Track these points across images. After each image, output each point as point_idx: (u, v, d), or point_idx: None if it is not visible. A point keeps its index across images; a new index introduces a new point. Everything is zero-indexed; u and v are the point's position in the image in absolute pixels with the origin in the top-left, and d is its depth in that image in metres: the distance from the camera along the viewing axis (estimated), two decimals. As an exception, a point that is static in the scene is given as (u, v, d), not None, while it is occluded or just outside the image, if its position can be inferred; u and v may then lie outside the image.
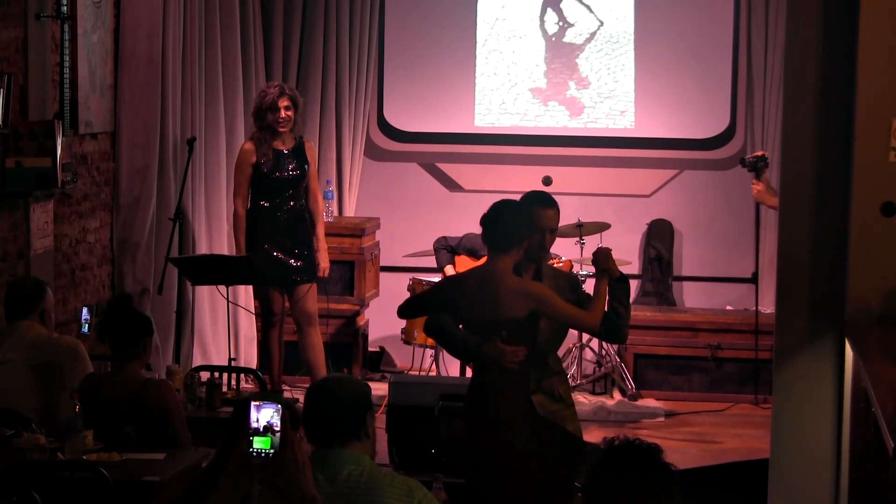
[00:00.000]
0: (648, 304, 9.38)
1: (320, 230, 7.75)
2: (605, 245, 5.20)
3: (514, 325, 4.97)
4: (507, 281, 5.00)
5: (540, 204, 5.22)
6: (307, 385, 8.04)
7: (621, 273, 5.14)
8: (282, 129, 7.51)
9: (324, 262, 7.72)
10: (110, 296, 7.42)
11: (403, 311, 5.39)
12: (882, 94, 5.23)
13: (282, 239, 7.56)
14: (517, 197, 5.33)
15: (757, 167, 7.80)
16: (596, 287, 5.10)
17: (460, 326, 5.12)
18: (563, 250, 8.34)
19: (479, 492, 5.07)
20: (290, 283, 7.61)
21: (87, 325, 6.64)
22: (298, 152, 7.61)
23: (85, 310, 6.69)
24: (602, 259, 5.11)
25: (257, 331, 8.73)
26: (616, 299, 5.08)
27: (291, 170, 7.55)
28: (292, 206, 7.59)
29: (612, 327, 5.11)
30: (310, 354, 7.74)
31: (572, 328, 5.36)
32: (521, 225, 5.05)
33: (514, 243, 5.02)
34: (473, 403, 5.12)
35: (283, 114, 7.49)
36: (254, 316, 8.72)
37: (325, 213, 8.47)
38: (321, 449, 3.44)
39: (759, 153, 7.99)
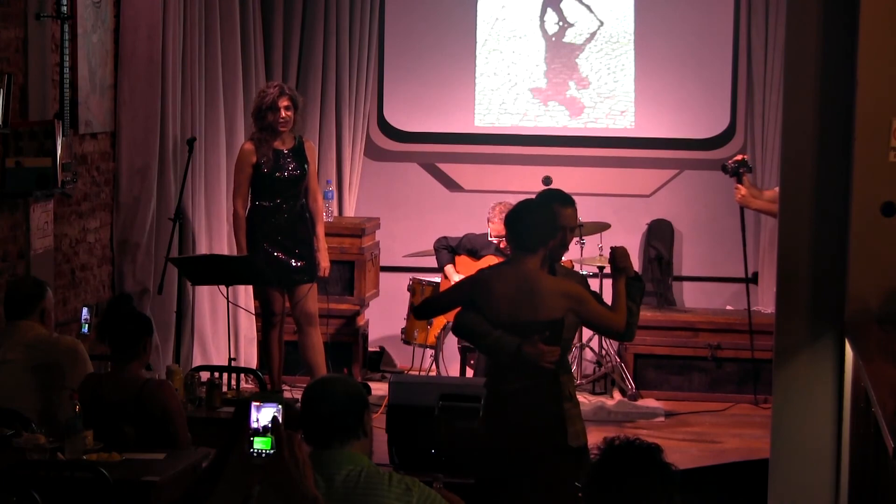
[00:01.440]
0: (648, 304, 9.37)
1: (320, 230, 7.75)
2: (626, 251, 5.20)
3: (553, 325, 5.01)
4: (546, 282, 5.04)
5: (560, 203, 5.27)
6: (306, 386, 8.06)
7: (636, 272, 5.19)
8: (282, 129, 7.52)
9: (324, 262, 7.72)
10: (110, 296, 7.42)
11: (420, 312, 5.45)
12: (882, 94, 5.23)
13: (282, 239, 7.56)
14: (519, 197, 5.35)
15: (739, 172, 7.80)
16: (615, 287, 5.14)
17: None
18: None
19: (499, 492, 5.07)
20: (290, 283, 7.61)
21: (87, 325, 6.64)
22: (298, 152, 7.61)
23: (85, 310, 6.69)
24: (621, 258, 5.15)
25: (257, 331, 8.73)
26: (630, 298, 5.12)
27: (292, 170, 7.56)
28: (293, 206, 7.59)
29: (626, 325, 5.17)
30: (310, 354, 7.74)
31: (599, 328, 5.40)
32: (547, 225, 5.09)
33: (541, 243, 5.06)
34: (504, 405, 5.09)
35: (283, 114, 7.50)
36: (254, 316, 8.71)
37: (325, 213, 8.47)
38: (319, 450, 3.44)
39: (740, 157, 7.98)
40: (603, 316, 5.09)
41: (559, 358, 5.07)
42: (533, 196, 5.41)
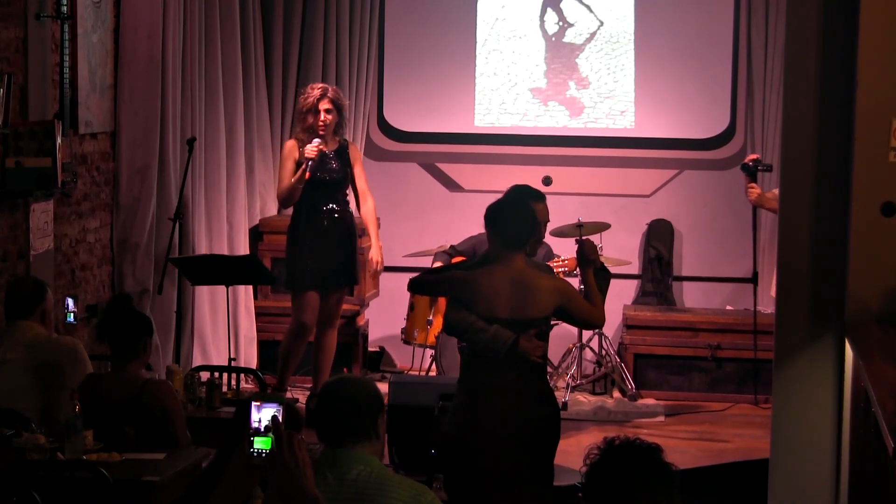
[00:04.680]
0: (648, 304, 9.38)
1: (373, 230, 7.77)
2: (594, 244, 5.32)
3: (546, 321, 5.15)
4: (539, 279, 5.14)
5: (533, 199, 5.37)
6: (309, 385, 8.07)
7: (602, 263, 5.32)
8: (322, 132, 7.50)
9: (377, 256, 7.75)
10: (110, 296, 7.42)
11: (414, 287, 5.52)
12: (882, 94, 5.23)
13: (322, 242, 7.56)
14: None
15: (758, 170, 7.79)
16: (585, 279, 5.27)
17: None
18: (564, 251, 8.33)
19: (489, 484, 5.10)
20: (325, 286, 7.61)
21: (72, 316, 6.60)
22: (342, 154, 7.62)
23: (70, 301, 6.62)
24: (590, 250, 5.26)
25: (257, 331, 8.73)
26: (598, 288, 5.25)
27: (334, 172, 7.56)
28: (334, 209, 7.60)
29: None
30: (320, 355, 7.76)
31: (582, 323, 5.46)
32: (529, 221, 5.19)
33: (525, 240, 5.17)
34: (494, 397, 5.11)
35: (322, 116, 7.49)
36: (254, 316, 8.72)
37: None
38: (331, 448, 3.46)
39: (755, 156, 7.98)
40: (587, 311, 5.20)
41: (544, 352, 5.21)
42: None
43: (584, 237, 5.39)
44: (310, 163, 7.41)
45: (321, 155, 7.51)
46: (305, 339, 7.69)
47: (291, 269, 7.64)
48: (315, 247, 7.56)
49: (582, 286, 5.46)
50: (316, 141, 7.45)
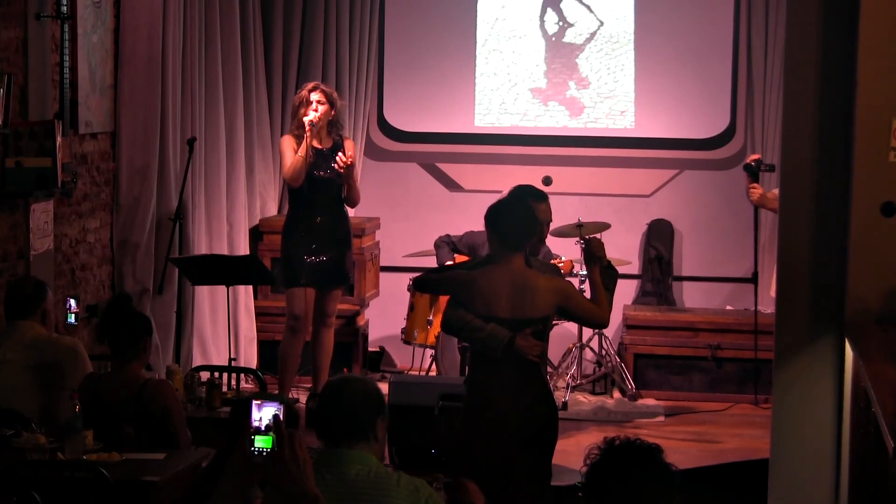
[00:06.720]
0: (648, 304, 9.38)
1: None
2: (601, 241, 5.31)
3: (544, 321, 5.15)
4: (538, 280, 5.14)
5: (534, 199, 5.41)
6: (308, 385, 8.07)
7: (609, 261, 5.31)
8: (316, 122, 7.46)
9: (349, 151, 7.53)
10: (110, 296, 7.42)
11: (418, 285, 5.58)
12: (882, 94, 5.23)
13: (317, 240, 7.55)
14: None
15: (759, 170, 7.78)
16: (591, 276, 5.25)
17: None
18: (564, 250, 8.34)
19: (491, 481, 5.12)
20: (320, 284, 7.61)
21: (73, 316, 6.59)
22: (336, 152, 7.59)
23: (72, 301, 6.62)
24: (598, 248, 5.25)
25: (257, 331, 8.73)
26: (604, 286, 5.24)
27: (328, 168, 7.55)
28: (329, 207, 7.59)
29: None
30: (318, 354, 7.76)
31: (584, 322, 5.47)
32: (529, 222, 5.19)
33: (525, 241, 5.17)
34: (495, 396, 5.13)
35: (315, 106, 7.49)
36: (254, 316, 8.72)
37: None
38: (330, 448, 3.46)
39: (757, 156, 7.98)
40: (588, 310, 5.22)
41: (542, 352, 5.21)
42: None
43: (591, 235, 5.37)
44: (312, 128, 7.40)
45: (317, 152, 7.50)
46: (302, 336, 7.68)
47: (286, 265, 7.65)
48: (310, 244, 7.55)
49: (582, 285, 5.47)
50: (313, 114, 7.46)
